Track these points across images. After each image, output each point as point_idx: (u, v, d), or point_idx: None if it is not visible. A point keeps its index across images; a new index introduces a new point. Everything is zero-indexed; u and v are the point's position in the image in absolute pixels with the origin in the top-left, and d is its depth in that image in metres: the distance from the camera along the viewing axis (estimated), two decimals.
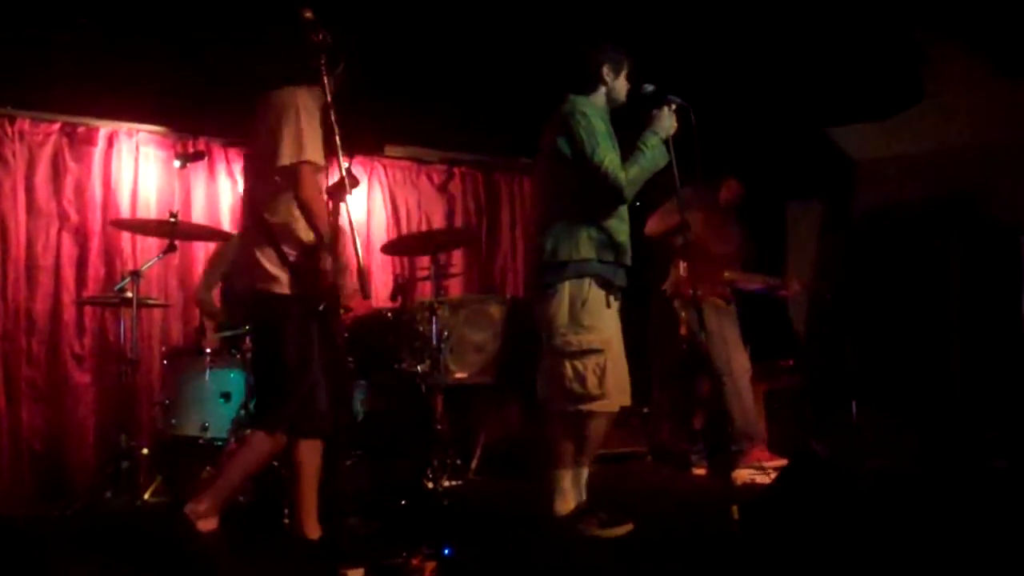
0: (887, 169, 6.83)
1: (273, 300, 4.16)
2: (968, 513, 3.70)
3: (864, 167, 6.94)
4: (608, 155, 4.37)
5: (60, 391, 6.35)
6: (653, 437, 7.04)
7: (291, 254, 4.15)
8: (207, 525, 4.20)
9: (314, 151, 4.08)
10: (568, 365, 4.42)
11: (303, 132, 4.06)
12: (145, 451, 5.60)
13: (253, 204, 4.30)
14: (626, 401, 4.54)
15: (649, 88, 4.60)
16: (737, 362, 6.28)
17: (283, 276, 4.15)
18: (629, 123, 4.61)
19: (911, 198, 6.69)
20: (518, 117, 7.20)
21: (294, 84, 4.19)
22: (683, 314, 6.41)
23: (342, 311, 4.12)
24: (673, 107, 4.55)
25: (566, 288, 4.43)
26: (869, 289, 7.06)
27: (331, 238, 4.03)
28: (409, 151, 7.88)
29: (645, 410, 6.79)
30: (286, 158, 4.04)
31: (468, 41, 6.66)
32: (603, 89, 4.62)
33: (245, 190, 4.52)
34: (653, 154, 4.45)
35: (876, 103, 6.71)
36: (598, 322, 4.43)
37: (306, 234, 4.14)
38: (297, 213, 4.12)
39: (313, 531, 4.25)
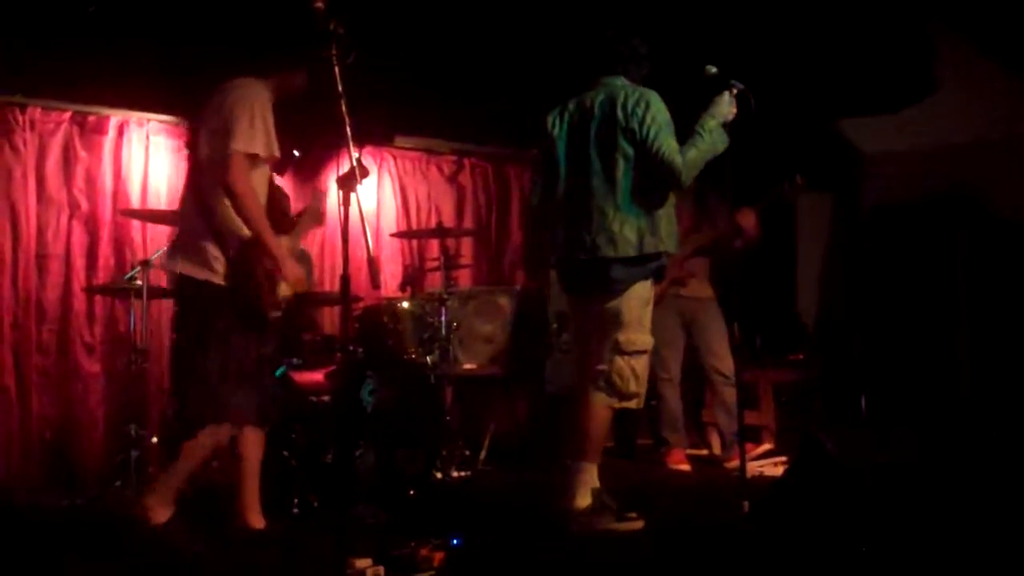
0: (896, 163, 6.82)
1: (210, 289, 4.22)
2: (973, 510, 3.70)
3: (873, 161, 6.93)
4: (667, 140, 4.34)
5: (70, 380, 6.36)
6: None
7: (230, 246, 4.22)
8: (160, 517, 4.22)
9: (259, 144, 4.20)
10: (626, 364, 4.47)
11: (254, 123, 4.18)
12: (155, 440, 5.61)
13: (196, 191, 4.36)
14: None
15: (712, 70, 4.54)
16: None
17: (220, 266, 4.21)
18: (688, 106, 4.58)
19: (920, 192, 6.68)
20: (528, 108, 7.20)
21: (255, 76, 4.39)
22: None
23: (280, 302, 4.27)
24: (735, 92, 4.52)
25: (638, 285, 4.46)
26: (878, 283, 7.05)
27: (264, 231, 4.17)
28: (419, 142, 7.88)
29: (652, 403, 6.79)
30: (232, 144, 4.13)
31: (479, 32, 6.65)
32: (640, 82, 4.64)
33: (188, 175, 4.54)
34: (712, 138, 4.41)
35: (886, 97, 6.69)
36: (650, 323, 4.54)
37: (241, 227, 4.22)
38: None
39: (259, 521, 4.36)
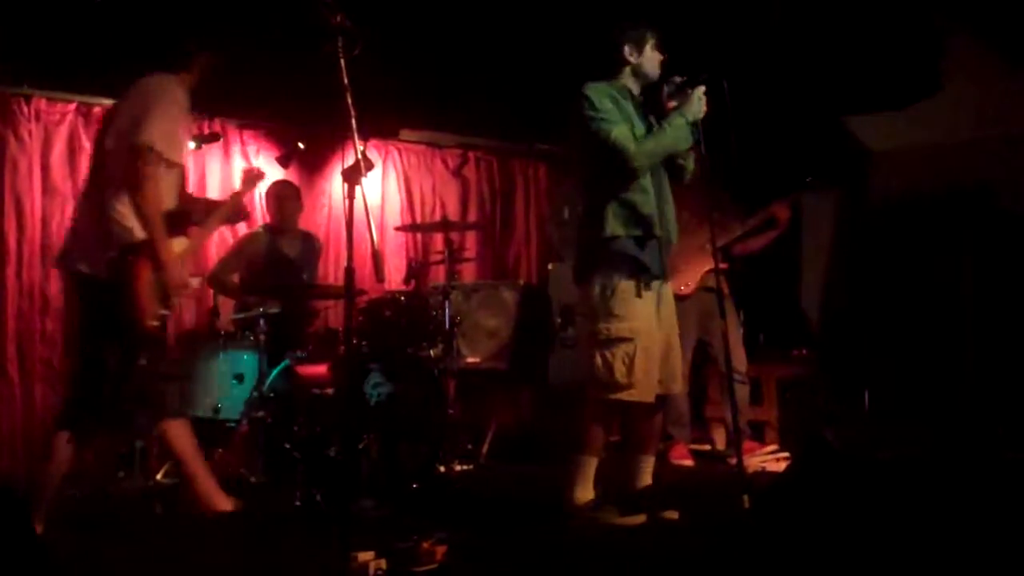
0: (903, 159, 6.80)
1: (99, 286, 4.22)
2: (978, 507, 3.70)
3: (880, 157, 6.91)
4: (616, 128, 4.38)
5: None
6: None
7: (116, 244, 4.19)
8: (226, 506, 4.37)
9: (167, 145, 4.20)
10: (598, 354, 4.44)
11: (167, 123, 4.21)
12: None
13: (96, 186, 4.35)
14: (649, 397, 4.49)
15: (677, 80, 4.58)
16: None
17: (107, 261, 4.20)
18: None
19: (927, 189, 6.66)
20: (533, 102, 7.20)
21: (168, 72, 4.42)
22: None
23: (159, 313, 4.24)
24: (703, 90, 4.52)
25: (598, 274, 4.47)
26: (883, 279, 7.03)
27: (158, 234, 4.16)
28: (424, 135, 7.88)
29: None
30: (143, 137, 4.13)
31: (484, 26, 6.65)
32: (627, 69, 4.61)
33: (90, 170, 4.55)
34: (675, 134, 4.44)
35: (893, 93, 6.67)
36: (627, 311, 4.42)
37: (139, 229, 4.19)
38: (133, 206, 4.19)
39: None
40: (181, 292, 4.36)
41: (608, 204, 4.46)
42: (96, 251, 4.20)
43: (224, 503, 4.47)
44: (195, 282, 4.74)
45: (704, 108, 4.50)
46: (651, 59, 4.62)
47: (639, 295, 4.44)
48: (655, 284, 4.49)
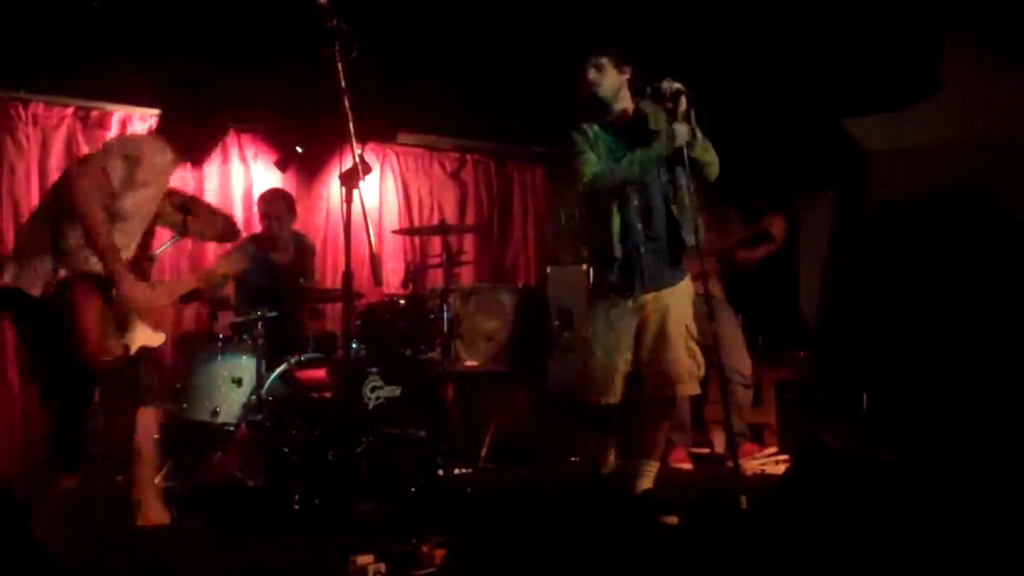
0: (900, 162, 6.81)
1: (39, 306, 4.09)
2: (977, 508, 3.69)
3: (877, 159, 6.92)
4: (579, 157, 4.60)
5: None
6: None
7: (65, 266, 4.10)
8: None
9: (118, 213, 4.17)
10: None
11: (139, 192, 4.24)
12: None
13: (57, 206, 4.22)
14: (607, 399, 4.60)
15: (648, 89, 4.61)
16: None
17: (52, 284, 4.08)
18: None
19: (924, 190, 6.67)
20: (531, 106, 7.19)
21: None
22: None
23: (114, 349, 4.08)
24: (682, 124, 4.52)
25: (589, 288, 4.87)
26: (881, 282, 7.04)
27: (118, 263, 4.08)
28: (422, 139, 7.87)
29: None
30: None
31: (481, 29, 6.65)
32: (596, 106, 4.71)
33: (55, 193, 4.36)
34: (628, 167, 4.51)
35: (891, 95, 6.68)
36: (593, 319, 4.68)
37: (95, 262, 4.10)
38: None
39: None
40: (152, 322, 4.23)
41: (586, 227, 4.88)
42: (40, 271, 4.07)
43: None
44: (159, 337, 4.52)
45: (681, 140, 4.50)
46: (602, 87, 4.66)
47: (600, 305, 4.64)
48: (622, 297, 4.60)
